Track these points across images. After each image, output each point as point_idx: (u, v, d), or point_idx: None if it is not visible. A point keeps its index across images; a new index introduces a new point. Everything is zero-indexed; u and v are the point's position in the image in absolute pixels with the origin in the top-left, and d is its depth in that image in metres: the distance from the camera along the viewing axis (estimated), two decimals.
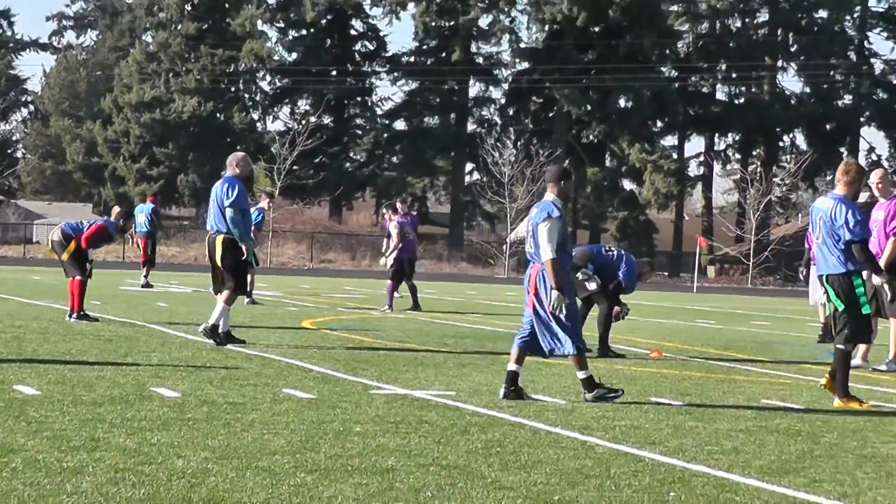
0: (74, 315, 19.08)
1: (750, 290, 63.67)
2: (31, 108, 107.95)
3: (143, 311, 22.08)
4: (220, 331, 15.92)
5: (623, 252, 17.63)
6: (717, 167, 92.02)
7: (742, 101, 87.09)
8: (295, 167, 71.20)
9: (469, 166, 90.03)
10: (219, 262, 16.08)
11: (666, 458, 8.83)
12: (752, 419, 11.06)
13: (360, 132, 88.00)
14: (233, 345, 15.86)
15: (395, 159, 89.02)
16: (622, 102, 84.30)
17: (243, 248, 16.16)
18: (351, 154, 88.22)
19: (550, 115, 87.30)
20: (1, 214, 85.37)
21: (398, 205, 27.38)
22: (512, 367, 11.85)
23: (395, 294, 26.12)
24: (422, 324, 22.09)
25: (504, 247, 71.60)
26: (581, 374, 11.79)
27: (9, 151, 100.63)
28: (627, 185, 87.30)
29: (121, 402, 10.30)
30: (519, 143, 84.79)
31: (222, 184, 16.27)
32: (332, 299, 30.62)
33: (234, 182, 16.19)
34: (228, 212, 15.99)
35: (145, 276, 31.42)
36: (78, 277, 19.14)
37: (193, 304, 25.10)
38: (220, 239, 16.06)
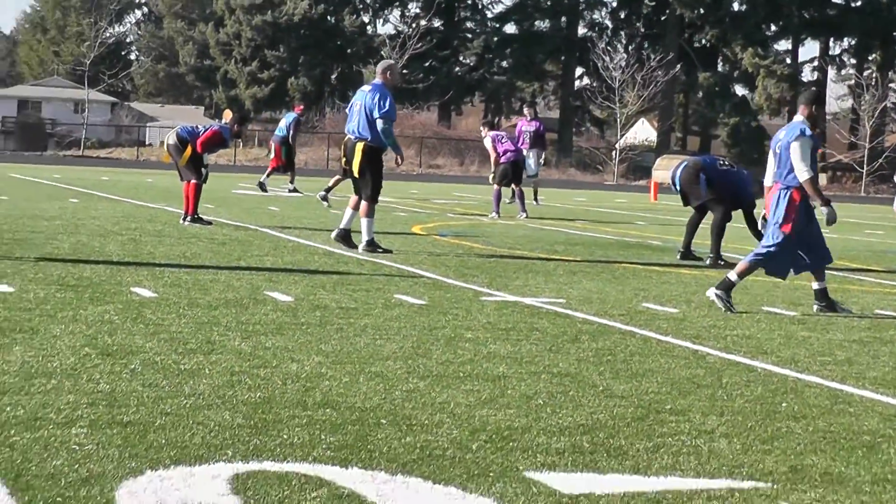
0: (189, 218, 19.30)
1: (863, 198, 62.79)
2: (145, 10, 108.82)
3: (255, 215, 22.29)
4: (374, 241, 16.01)
5: (736, 166, 17.50)
6: (831, 72, 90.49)
7: (858, 3, 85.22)
8: (405, 71, 71.11)
9: (579, 71, 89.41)
10: (355, 170, 16.00)
11: (778, 368, 8.78)
12: (866, 330, 10.96)
13: (469, 36, 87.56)
14: (345, 247, 15.97)
15: (504, 63, 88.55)
16: (735, 6, 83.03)
17: (397, 157, 16.20)
18: (461, 58, 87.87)
19: (662, 18, 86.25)
20: (115, 117, 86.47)
21: (526, 109, 27.94)
22: (815, 285, 12.18)
23: (505, 200, 26.17)
24: (531, 230, 22.08)
25: (613, 153, 71.11)
26: (732, 276, 11.84)
27: (123, 53, 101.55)
28: (739, 90, 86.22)
29: (235, 305, 10.42)
30: (630, 48, 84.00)
31: (372, 92, 15.95)
32: (442, 205, 30.69)
33: (385, 92, 15.95)
34: (380, 123, 15.77)
35: (266, 177, 31.45)
36: (193, 181, 19.34)
37: (305, 208, 25.29)
38: (360, 146, 15.89)
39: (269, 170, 31.94)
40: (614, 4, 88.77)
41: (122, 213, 21.01)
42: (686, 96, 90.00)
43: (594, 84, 79.67)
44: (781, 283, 13.96)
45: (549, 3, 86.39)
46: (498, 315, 10.66)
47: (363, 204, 16.03)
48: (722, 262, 16.66)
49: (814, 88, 12.95)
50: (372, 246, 15.92)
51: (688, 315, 11.37)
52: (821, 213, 12.04)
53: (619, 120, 70.72)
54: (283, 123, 31.54)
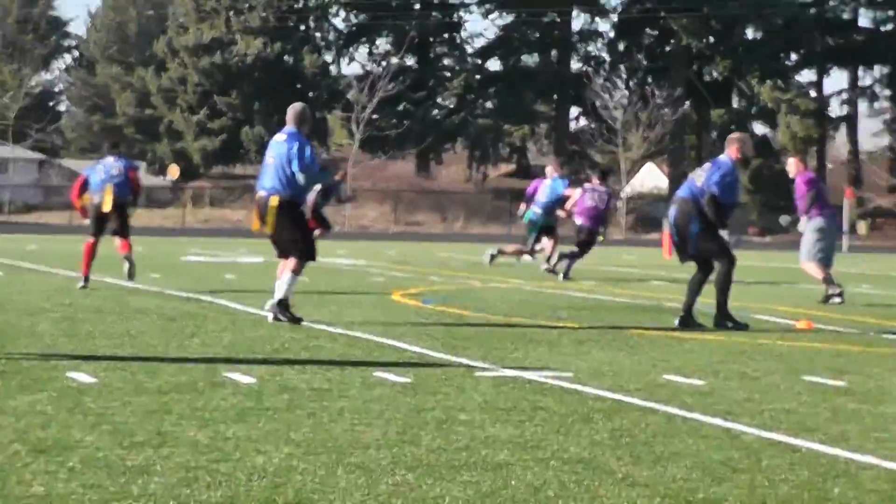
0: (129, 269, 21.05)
1: None
2: (75, 54, 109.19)
3: (209, 285, 22.25)
4: (287, 303, 15.98)
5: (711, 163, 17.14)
6: (862, 106, 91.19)
7: (889, 27, 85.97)
8: (375, 116, 71.48)
9: (574, 111, 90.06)
10: (269, 228, 16.03)
11: (826, 447, 8.68)
12: None
13: (448, 74, 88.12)
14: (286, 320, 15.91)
15: (488, 105, 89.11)
16: (750, 33, 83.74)
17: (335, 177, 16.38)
18: (438, 100, 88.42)
19: (667, 49, 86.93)
20: (42, 176, 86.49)
21: (594, 177, 28.46)
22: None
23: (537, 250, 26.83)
24: (529, 294, 22.10)
25: (619, 204, 71.38)
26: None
27: (51, 104, 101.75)
28: (759, 128, 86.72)
29: (189, 390, 10.32)
30: (631, 83, 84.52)
31: (288, 141, 16.03)
32: (424, 268, 30.67)
33: (303, 141, 16.03)
34: (300, 177, 15.89)
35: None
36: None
37: (266, 275, 25.20)
38: (274, 201, 15.94)
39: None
40: (611, 35, 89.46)
41: (53, 287, 20.95)
42: (699, 136, 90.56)
43: (593, 125, 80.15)
44: (822, 348, 13.91)
45: (536, 35, 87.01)
46: (496, 393, 10.58)
47: (291, 260, 16.00)
48: (730, 325, 16.50)
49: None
50: (282, 308, 15.86)
51: (717, 388, 11.28)
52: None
53: (623, 165, 71.03)
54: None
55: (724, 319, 16.66)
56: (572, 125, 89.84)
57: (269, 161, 16.16)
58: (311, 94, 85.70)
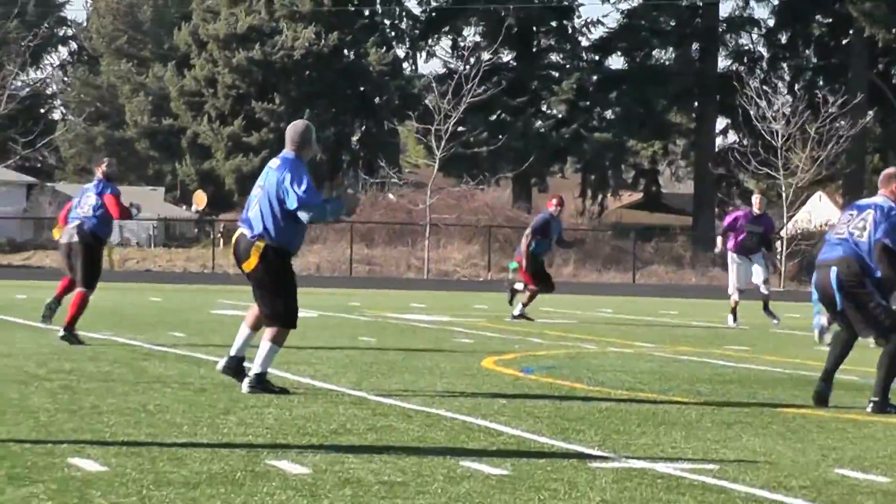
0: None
1: None
2: (73, 46, 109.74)
3: (247, 346, 22.32)
4: (266, 378, 16.27)
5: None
6: None
7: None
8: (461, 128, 71.22)
9: (721, 122, 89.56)
10: (249, 267, 16.18)
11: None
12: None
13: (556, 74, 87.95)
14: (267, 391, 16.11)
15: (608, 114, 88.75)
16: None
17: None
18: (543, 107, 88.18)
19: (844, 42, 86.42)
20: (32, 205, 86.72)
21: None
22: None
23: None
24: (660, 362, 22.07)
25: (779, 245, 70.89)
26: None
27: (42, 112, 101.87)
28: None
29: (225, 481, 10.40)
30: (797, 87, 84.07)
31: (281, 169, 16.07)
32: (524, 326, 30.67)
33: (300, 168, 16.08)
34: (303, 215, 15.93)
35: (521, 304, 32.72)
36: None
37: (318, 333, 25.31)
38: (259, 246, 16.07)
39: (526, 293, 32.85)
40: (770, 24, 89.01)
41: (49, 350, 21.09)
42: (884, 157, 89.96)
43: (744, 142, 79.63)
44: None
45: (672, 23, 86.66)
46: (618, 490, 10.63)
47: (269, 329, 16.27)
48: (891, 409, 16.32)
49: None
50: (262, 383, 16.12)
51: None
52: None
53: (784, 195, 70.57)
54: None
55: (886, 406, 16.48)
56: (718, 141, 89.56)
57: (256, 191, 16.30)
58: (377, 99, 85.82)
